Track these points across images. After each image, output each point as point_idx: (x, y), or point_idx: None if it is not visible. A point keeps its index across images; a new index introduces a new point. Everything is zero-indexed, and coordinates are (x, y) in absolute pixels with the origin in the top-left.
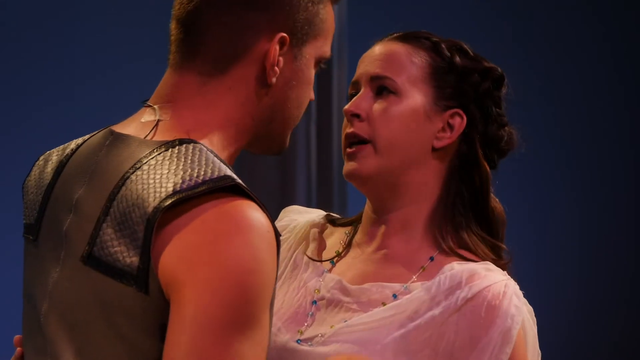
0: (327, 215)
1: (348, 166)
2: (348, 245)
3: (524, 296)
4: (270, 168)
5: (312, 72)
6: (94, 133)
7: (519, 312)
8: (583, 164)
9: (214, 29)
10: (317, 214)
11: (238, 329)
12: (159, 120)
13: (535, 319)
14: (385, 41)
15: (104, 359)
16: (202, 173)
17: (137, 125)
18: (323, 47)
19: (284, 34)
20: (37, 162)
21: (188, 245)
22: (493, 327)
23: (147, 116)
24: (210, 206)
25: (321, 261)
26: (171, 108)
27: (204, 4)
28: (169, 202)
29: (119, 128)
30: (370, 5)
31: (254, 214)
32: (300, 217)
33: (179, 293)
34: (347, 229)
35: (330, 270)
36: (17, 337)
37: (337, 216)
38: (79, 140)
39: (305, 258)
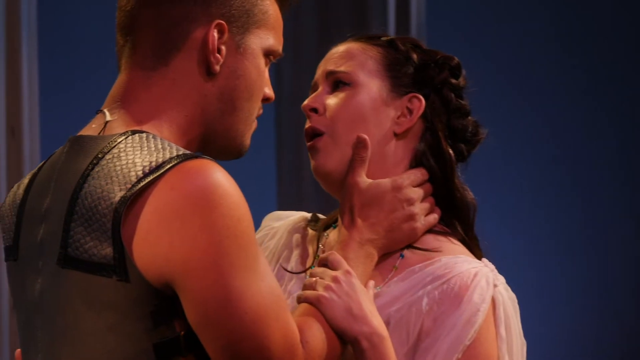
0: (312, 215)
1: (312, 163)
2: (326, 250)
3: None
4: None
5: (261, 64)
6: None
7: (483, 299)
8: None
9: (149, 24)
10: (296, 218)
11: (247, 269)
12: (107, 122)
13: (517, 307)
14: (343, 42)
15: (100, 356)
16: (161, 156)
17: (90, 130)
18: (269, 39)
19: (221, 21)
20: (12, 189)
21: (166, 225)
22: (457, 312)
23: (97, 120)
24: (173, 182)
25: (303, 271)
26: (119, 107)
27: (138, 3)
28: (135, 189)
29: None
30: (448, 10)
31: (212, 170)
32: (279, 223)
33: (183, 276)
34: (327, 232)
35: None
36: (18, 351)
37: (322, 216)
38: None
39: (289, 268)
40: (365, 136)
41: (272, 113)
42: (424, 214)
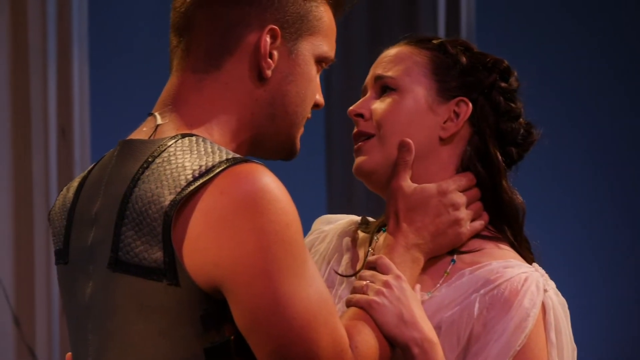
0: (362, 218)
1: (355, 162)
2: (375, 254)
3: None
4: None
5: (312, 70)
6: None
7: (534, 304)
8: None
9: (203, 26)
10: (346, 221)
11: (295, 275)
12: (158, 125)
13: (568, 312)
14: (395, 46)
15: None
16: (211, 160)
17: (141, 134)
18: (322, 46)
19: (274, 26)
20: (61, 192)
21: (215, 229)
22: (507, 317)
23: (148, 124)
24: (222, 186)
25: (354, 275)
26: (170, 110)
27: (193, 4)
28: (185, 193)
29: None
30: (498, 9)
31: (261, 175)
32: (329, 227)
33: (232, 281)
34: (378, 235)
35: None
36: (68, 354)
37: (372, 219)
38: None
39: (340, 272)
40: (409, 140)
41: (321, 117)
42: (469, 219)
